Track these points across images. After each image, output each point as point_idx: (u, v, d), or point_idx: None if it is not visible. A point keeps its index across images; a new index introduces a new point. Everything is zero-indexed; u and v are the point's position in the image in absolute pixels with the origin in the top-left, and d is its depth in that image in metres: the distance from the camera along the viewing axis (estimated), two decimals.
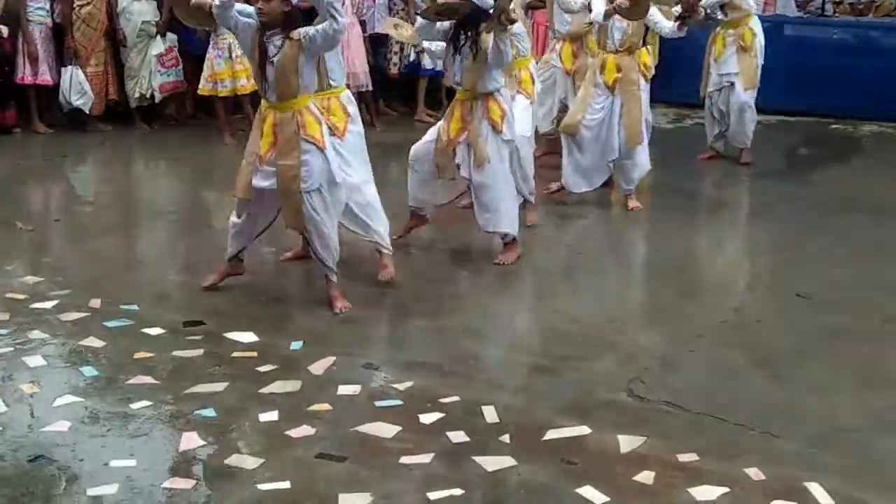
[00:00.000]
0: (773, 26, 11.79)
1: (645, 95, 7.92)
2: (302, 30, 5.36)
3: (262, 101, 5.59)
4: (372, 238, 6.13)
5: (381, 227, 6.13)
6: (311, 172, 5.48)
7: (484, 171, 6.31)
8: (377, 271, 6.06)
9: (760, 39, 9.35)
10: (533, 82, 7.41)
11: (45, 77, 10.61)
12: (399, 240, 6.65)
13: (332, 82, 6.01)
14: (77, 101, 10.62)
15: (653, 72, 8.11)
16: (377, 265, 6.14)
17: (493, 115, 6.30)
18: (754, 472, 3.97)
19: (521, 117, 6.87)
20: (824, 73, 11.92)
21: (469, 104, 6.32)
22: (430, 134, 6.52)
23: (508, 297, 6.15)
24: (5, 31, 10.28)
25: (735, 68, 9.31)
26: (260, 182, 5.58)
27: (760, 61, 9.33)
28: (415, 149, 6.57)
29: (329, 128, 5.70)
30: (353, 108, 6.08)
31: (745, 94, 9.33)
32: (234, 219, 5.84)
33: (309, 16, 5.56)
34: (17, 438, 4.20)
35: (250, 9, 5.50)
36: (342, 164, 5.79)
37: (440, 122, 6.51)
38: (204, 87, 10.43)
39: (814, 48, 12.11)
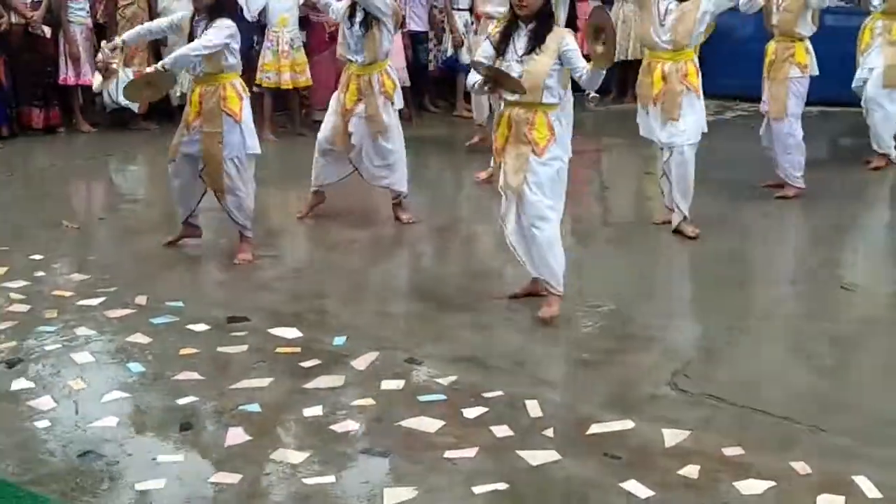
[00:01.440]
0: None
1: None
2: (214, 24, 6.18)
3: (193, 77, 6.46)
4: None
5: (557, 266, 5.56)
6: (231, 142, 6.30)
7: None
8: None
9: None
10: None
11: (88, 77, 10.71)
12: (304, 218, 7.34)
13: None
14: (125, 101, 10.71)
15: None
16: (416, 258, 6.14)
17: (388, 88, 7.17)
18: (801, 466, 3.94)
19: None
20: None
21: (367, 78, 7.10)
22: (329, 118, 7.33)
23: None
24: (48, 31, 10.40)
25: (876, 62, 8.90)
26: (187, 149, 6.45)
27: None
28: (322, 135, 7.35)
29: (531, 144, 5.37)
30: (558, 129, 5.45)
31: (876, 90, 8.89)
32: (172, 183, 6.68)
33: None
34: (66, 434, 4.26)
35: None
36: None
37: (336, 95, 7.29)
38: (258, 78, 10.49)
39: (855, 37, 11.97)
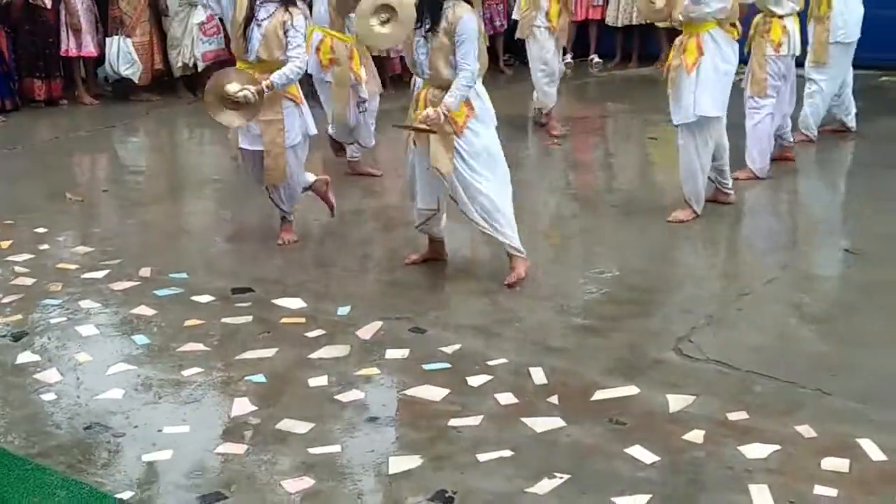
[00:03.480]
0: None
1: None
2: (294, 22, 5.87)
3: (239, 62, 6.03)
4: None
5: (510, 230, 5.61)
6: (292, 127, 6.03)
7: None
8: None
9: None
10: None
11: (90, 49, 10.70)
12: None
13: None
14: (126, 71, 10.71)
15: None
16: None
17: None
18: (805, 430, 3.95)
19: None
20: (874, 24, 11.68)
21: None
22: None
23: (554, 259, 6.14)
24: (49, 2, 10.35)
25: None
26: (245, 145, 6.14)
27: None
28: None
29: (450, 123, 5.33)
30: (478, 103, 5.44)
31: None
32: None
33: None
34: (72, 407, 4.28)
35: None
36: (467, 169, 5.42)
37: None
38: None
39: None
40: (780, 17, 7.34)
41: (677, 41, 6.50)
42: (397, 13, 5.39)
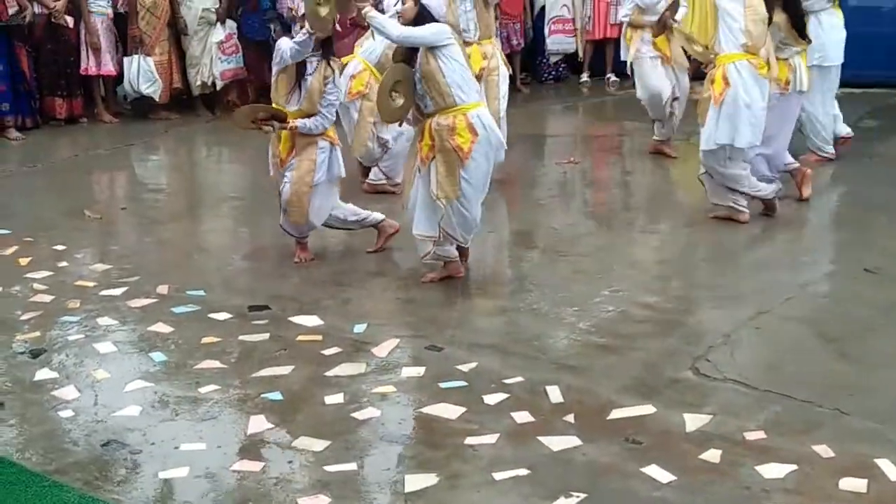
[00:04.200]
0: None
1: None
2: (335, 78, 6.13)
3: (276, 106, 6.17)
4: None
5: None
6: (321, 167, 6.12)
7: None
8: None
9: None
10: None
11: (109, 67, 10.75)
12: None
13: (457, 99, 5.59)
14: (147, 89, 10.75)
15: None
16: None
17: None
18: (823, 450, 3.93)
19: None
20: (890, 43, 11.68)
21: None
22: None
23: (570, 277, 6.13)
24: (71, 21, 10.43)
25: None
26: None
27: None
28: None
29: (454, 150, 5.56)
30: (482, 131, 5.60)
31: None
32: None
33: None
34: (89, 423, 4.29)
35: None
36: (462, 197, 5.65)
37: None
38: None
39: (879, 18, 11.86)
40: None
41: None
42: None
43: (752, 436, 4.06)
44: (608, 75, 13.07)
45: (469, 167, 5.56)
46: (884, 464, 3.82)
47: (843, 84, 10.44)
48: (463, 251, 5.94)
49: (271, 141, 6.27)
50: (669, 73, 8.63)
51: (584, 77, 12.74)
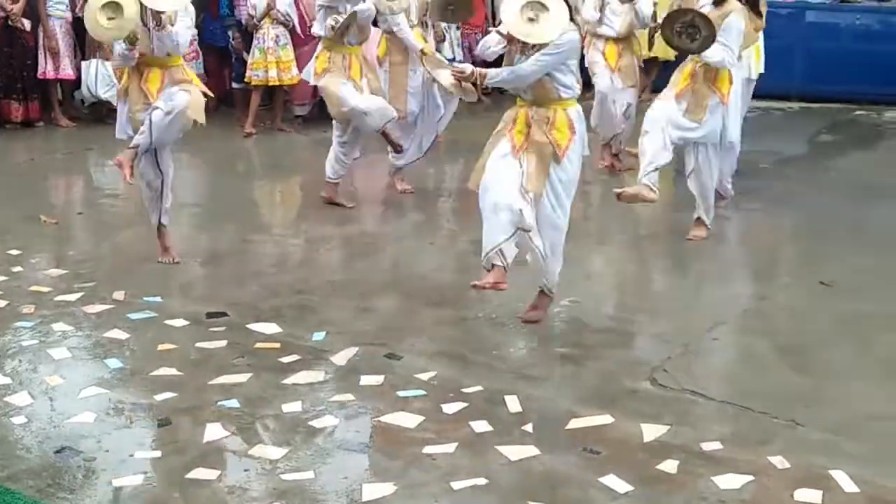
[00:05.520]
0: (795, 12, 11.71)
1: None
2: None
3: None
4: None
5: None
6: None
7: None
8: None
9: None
10: None
11: (67, 71, 10.68)
12: None
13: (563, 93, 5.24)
14: (106, 94, 10.68)
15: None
16: (396, 253, 6.12)
17: None
18: (778, 461, 3.95)
19: None
20: (847, 58, 11.84)
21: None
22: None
23: (529, 287, 6.13)
24: (28, 24, 10.34)
25: None
26: None
27: None
28: None
29: (551, 144, 5.18)
30: (579, 127, 5.31)
31: None
32: None
33: None
34: (42, 430, 4.23)
35: None
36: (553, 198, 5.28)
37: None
38: (247, 76, 10.58)
39: (837, 33, 12.03)
40: None
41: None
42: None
43: (708, 446, 4.08)
44: None
45: (563, 165, 5.22)
46: (839, 475, 3.84)
47: (801, 99, 10.60)
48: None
49: None
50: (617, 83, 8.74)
51: None
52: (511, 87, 5.30)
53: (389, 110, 7.55)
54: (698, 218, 6.94)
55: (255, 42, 10.51)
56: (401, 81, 8.06)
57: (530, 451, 4.04)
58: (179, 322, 5.39)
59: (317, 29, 7.69)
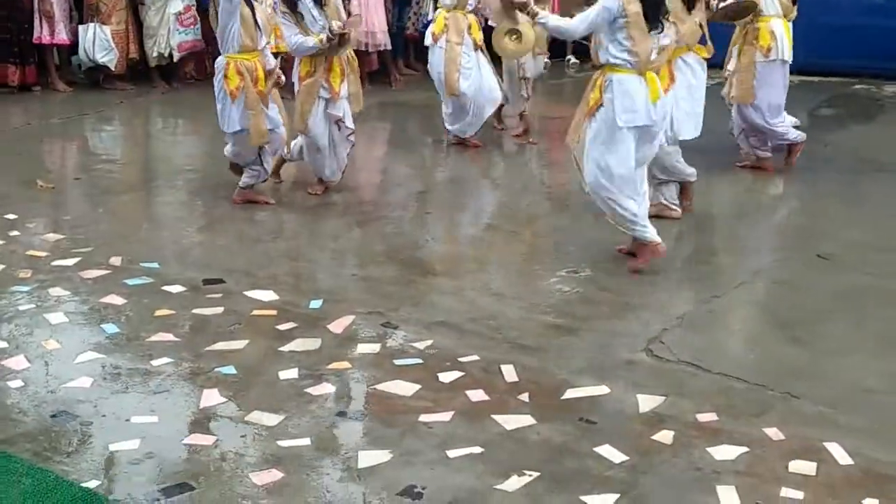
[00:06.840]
0: None
1: None
2: None
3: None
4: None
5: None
6: None
7: None
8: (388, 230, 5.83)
9: None
10: None
11: (62, 36, 10.61)
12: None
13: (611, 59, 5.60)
14: (103, 58, 10.62)
15: None
16: (395, 223, 6.11)
17: None
18: (774, 432, 3.97)
19: None
20: (847, 32, 11.80)
21: None
22: None
23: (527, 257, 6.14)
24: None
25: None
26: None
27: None
28: None
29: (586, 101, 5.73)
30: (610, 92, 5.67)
31: None
32: None
33: None
34: (39, 394, 4.23)
35: None
36: None
37: None
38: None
39: (837, 7, 11.98)
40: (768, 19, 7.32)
41: None
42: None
43: (704, 417, 4.09)
44: (568, 56, 13.12)
45: (591, 124, 5.60)
46: (833, 447, 3.86)
47: (801, 72, 10.56)
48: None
49: None
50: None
51: (545, 59, 12.72)
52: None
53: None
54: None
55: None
56: (455, 59, 8.34)
57: (526, 420, 4.05)
58: (176, 288, 5.38)
59: None
